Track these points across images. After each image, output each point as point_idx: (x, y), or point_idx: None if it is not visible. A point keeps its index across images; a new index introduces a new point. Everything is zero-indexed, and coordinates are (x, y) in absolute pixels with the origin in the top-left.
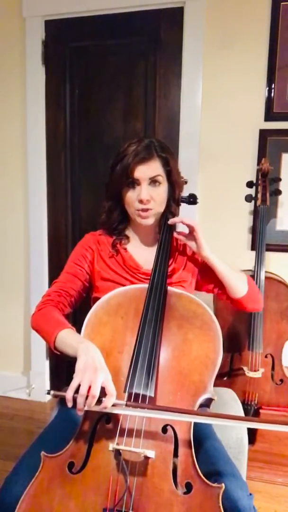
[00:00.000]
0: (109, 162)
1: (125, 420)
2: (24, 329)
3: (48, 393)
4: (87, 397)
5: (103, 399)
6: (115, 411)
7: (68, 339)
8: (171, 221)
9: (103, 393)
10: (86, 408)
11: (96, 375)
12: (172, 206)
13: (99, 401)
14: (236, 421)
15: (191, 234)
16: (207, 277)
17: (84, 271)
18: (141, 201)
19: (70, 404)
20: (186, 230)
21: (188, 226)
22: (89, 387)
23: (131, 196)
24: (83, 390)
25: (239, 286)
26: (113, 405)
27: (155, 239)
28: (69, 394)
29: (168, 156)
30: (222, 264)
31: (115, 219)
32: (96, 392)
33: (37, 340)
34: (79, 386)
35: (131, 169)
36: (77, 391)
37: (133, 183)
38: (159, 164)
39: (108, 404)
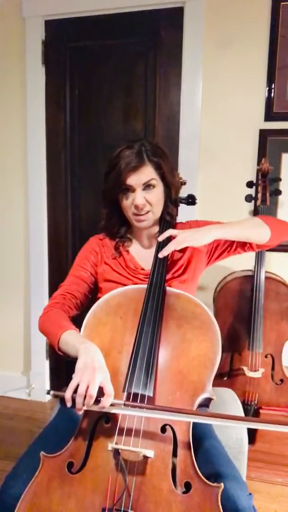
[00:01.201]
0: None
1: (124, 420)
2: (24, 329)
3: (48, 393)
4: (85, 396)
5: (101, 399)
6: (114, 410)
7: (70, 340)
8: (161, 255)
9: (101, 393)
10: (84, 408)
11: (95, 375)
12: (169, 206)
13: (97, 401)
14: (235, 421)
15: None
16: (225, 247)
17: (89, 273)
18: (136, 207)
19: (69, 404)
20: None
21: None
22: (88, 387)
23: (126, 202)
24: (81, 390)
25: (260, 234)
26: (112, 405)
27: (155, 239)
28: (67, 394)
29: (160, 159)
30: (231, 230)
31: (115, 224)
32: (93, 392)
33: (37, 340)
34: (78, 386)
35: (123, 177)
36: (76, 391)
37: (127, 189)
38: (152, 168)
39: (106, 404)
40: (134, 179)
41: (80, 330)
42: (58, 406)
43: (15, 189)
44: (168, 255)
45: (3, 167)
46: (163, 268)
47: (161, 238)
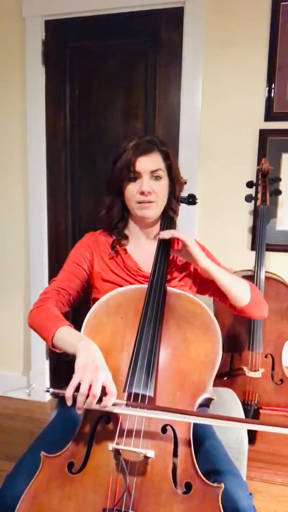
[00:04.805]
0: (109, 162)
1: (124, 420)
2: (24, 329)
3: (47, 391)
4: (87, 396)
5: (103, 398)
6: (115, 410)
7: (67, 336)
8: (161, 235)
9: (103, 392)
10: (85, 407)
11: (97, 374)
12: (173, 202)
13: (99, 400)
14: (236, 422)
15: (184, 248)
16: (208, 287)
17: (84, 270)
18: (142, 193)
19: (69, 403)
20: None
21: (181, 241)
22: (90, 386)
23: (132, 189)
24: (83, 389)
25: (241, 295)
26: (114, 405)
27: (155, 236)
28: (68, 392)
29: (168, 150)
30: (223, 274)
31: (115, 215)
32: (97, 391)
33: (37, 340)
34: (79, 384)
35: (132, 161)
36: (77, 389)
37: (135, 176)
38: (160, 157)
39: (108, 403)
40: (143, 163)
41: (74, 328)
42: (58, 407)
43: (15, 189)
44: (169, 258)
45: (3, 167)
46: (164, 268)
47: (162, 236)
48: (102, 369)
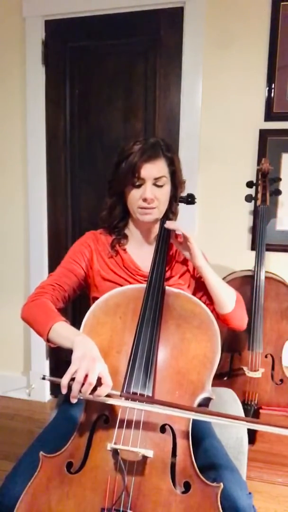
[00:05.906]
0: (109, 161)
1: (123, 420)
2: (24, 329)
3: (43, 378)
4: (83, 384)
5: (98, 388)
6: (110, 401)
7: (63, 331)
8: (167, 224)
9: (99, 383)
10: (80, 396)
11: (94, 364)
12: (173, 205)
13: (94, 390)
14: (235, 420)
15: (185, 243)
16: (198, 287)
17: (81, 268)
18: (145, 200)
19: (64, 391)
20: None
21: (183, 236)
22: (86, 376)
23: (135, 194)
24: (80, 377)
25: (227, 302)
26: (108, 396)
27: (154, 237)
28: (64, 380)
29: (173, 155)
30: (215, 277)
31: (116, 216)
32: (93, 380)
33: (37, 340)
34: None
35: (137, 167)
36: (73, 380)
37: (138, 181)
38: (165, 163)
39: (102, 393)
40: (148, 170)
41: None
42: (58, 407)
43: (15, 189)
44: (170, 253)
45: (3, 166)
46: (163, 268)
47: (167, 226)
48: (99, 360)
